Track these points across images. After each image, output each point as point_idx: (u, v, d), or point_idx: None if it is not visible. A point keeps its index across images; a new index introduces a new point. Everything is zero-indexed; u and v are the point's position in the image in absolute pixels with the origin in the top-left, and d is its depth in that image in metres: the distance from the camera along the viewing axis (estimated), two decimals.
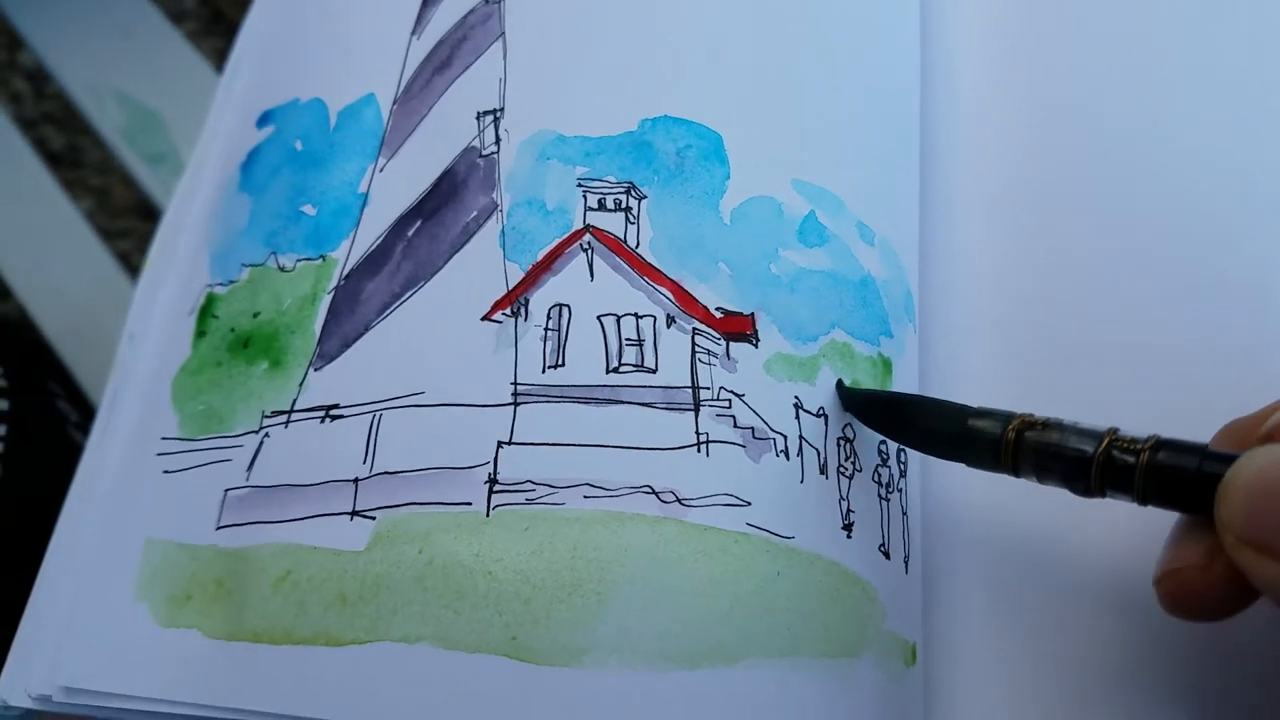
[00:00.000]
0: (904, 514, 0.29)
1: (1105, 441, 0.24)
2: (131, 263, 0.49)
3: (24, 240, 0.48)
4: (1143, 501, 0.24)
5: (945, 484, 0.31)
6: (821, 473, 0.27)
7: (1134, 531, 0.29)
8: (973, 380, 0.32)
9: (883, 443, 0.29)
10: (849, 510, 0.27)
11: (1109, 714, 0.29)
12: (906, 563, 0.29)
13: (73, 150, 0.53)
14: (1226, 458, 0.23)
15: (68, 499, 0.32)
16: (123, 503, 0.29)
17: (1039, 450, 0.25)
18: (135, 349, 0.33)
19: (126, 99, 0.49)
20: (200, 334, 0.31)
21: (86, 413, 0.44)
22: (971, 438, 0.26)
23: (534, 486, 0.26)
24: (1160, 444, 0.24)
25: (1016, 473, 0.25)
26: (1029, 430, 0.25)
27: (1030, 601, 0.30)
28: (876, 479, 0.28)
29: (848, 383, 0.28)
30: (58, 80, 0.51)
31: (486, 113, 0.31)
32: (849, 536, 0.27)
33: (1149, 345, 0.32)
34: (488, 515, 0.26)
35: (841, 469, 0.28)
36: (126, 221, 0.51)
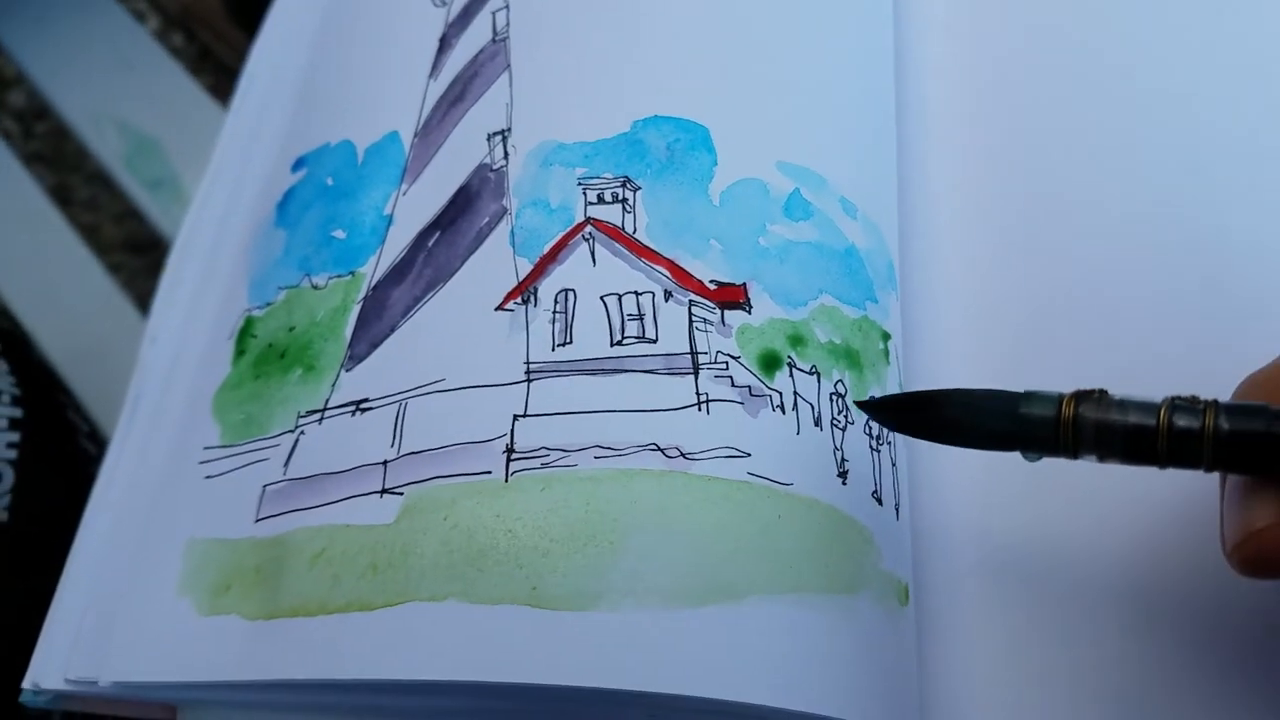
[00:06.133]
0: (893, 465, 0.30)
1: (1166, 410, 0.23)
2: (131, 286, 0.51)
3: (23, 262, 0.51)
4: (1210, 468, 0.23)
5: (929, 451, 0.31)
6: (816, 425, 0.29)
7: (1120, 487, 0.30)
8: (955, 347, 0.33)
9: (873, 397, 0.30)
10: (843, 459, 0.29)
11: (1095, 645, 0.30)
12: (897, 509, 0.30)
13: (65, 173, 0.56)
14: None
15: (93, 496, 0.33)
16: (165, 508, 0.31)
17: (1100, 427, 0.23)
18: (159, 353, 0.35)
19: (125, 126, 0.52)
20: (240, 353, 0.33)
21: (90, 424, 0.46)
22: (1025, 424, 0.24)
23: (548, 452, 0.27)
24: (1220, 408, 0.23)
25: (1076, 454, 0.24)
26: (1083, 404, 0.24)
27: (1020, 565, 0.31)
28: (868, 431, 0.30)
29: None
30: (56, 109, 0.54)
31: (496, 133, 0.34)
32: (844, 483, 0.28)
33: (1129, 310, 0.33)
34: (506, 480, 0.27)
35: (835, 422, 0.29)
36: (119, 256, 0.54)
